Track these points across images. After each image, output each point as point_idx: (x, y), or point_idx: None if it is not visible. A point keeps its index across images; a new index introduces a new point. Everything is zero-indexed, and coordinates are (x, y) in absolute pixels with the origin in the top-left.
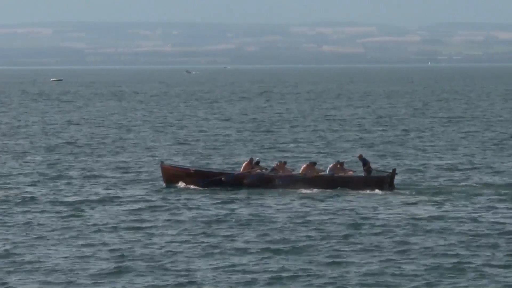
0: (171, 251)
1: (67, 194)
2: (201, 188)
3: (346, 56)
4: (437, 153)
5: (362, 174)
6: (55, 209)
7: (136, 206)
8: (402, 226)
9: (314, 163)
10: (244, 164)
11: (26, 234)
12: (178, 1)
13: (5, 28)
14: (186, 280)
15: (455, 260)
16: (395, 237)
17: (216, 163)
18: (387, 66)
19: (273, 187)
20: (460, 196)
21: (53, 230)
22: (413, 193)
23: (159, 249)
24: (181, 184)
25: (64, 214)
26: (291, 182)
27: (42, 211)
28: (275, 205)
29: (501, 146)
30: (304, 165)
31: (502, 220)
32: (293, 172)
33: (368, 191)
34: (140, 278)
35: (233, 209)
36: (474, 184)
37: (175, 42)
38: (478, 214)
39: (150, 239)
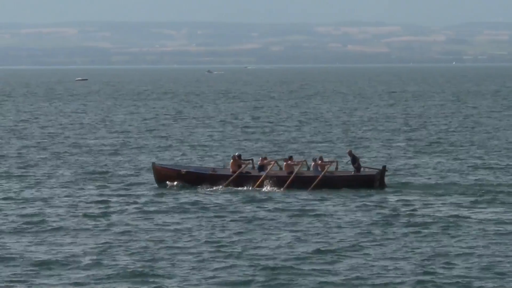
0: (161, 252)
1: (59, 194)
2: (193, 188)
3: (371, 56)
4: (431, 152)
5: (352, 172)
6: (45, 211)
7: (128, 206)
8: (391, 224)
9: (290, 157)
10: (230, 164)
11: (20, 236)
12: (203, 0)
13: (31, 28)
14: (178, 281)
15: (446, 258)
16: (385, 235)
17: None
18: (412, 66)
19: (263, 187)
20: (451, 194)
21: (44, 231)
22: (404, 190)
23: (150, 250)
24: (173, 185)
25: (56, 214)
26: (280, 181)
27: (32, 212)
28: (264, 204)
29: (498, 145)
30: (284, 162)
31: (495, 219)
32: (276, 164)
33: (358, 189)
34: (130, 280)
35: (226, 209)
36: (467, 183)
37: (199, 42)
38: (469, 212)
39: (142, 239)
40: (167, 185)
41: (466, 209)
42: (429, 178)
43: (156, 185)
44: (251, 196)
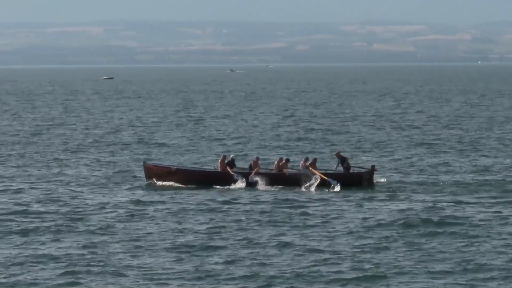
0: (154, 250)
1: (52, 194)
2: (183, 187)
3: (396, 55)
4: (423, 151)
5: (341, 172)
6: (39, 209)
7: (119, 204)
8: (380, 223)
9: (287, 160)
10: (218, 162)
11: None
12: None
13: (56, 27)
14: (168, 278)
15: (437, 256)
16: (375, 234)
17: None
18: (439, 65)
19: (254, 186)
20: (441, 192)
21: (35, 230)
22: (392, 189)
23: (142, 248)
24: (163, 183)
25: (51, 213)
26: (268, 180)
27: (26, 211)
28: (253, 203)
29: (490, 144)
30: (276, 162)
31: (488, 216)
32: (266, 169)
33: (347, 188)
34: (124, 278)
35: (215, 206)
36: (456, 181)
37: (225, 41)
38: (456, 209)
39: (134, 238)
40: (157, 182)
41: (457, 206)
42: (419, 177)
43: (145, 183)
44: (240, 194)
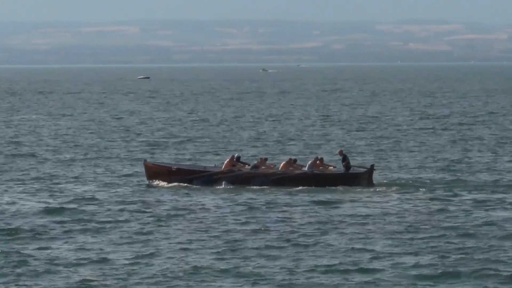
0: (150, 248)
1: (53, 193)
2: (183, 186)
3: (432, 54)
4: (421, 151)
5: (342, 170)
6: (38, 209)
7: (119, 203)
8: (379, 222)
9: (294, 160)
10: (226, 162)
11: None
12: None
13: (93, 27)
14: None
15: (433, 254)
16: (372, 233)
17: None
18: (475, 64)
19: (251, 185)
20: (440, 191)
21: (35, 230)
22: (391, 189)
23: (139, 246)
24: (164, 182)
25: (49, 213)
26: (269, 180)
27: (25, 211)
28: (253, 203)
29: (488, 145)
30: (284, 162)
31: (482, 215)
32: (274, 168)
33: (346, 187)
34: (124, 279)
35: (216, 206)
36: (453, 180)
37: (261, 40)
38: (456, 208)
39: (133, 238)
40: (158, 181)
41: (453, 203)
42: (418, 176)
43: (146, 182)
44: (240, 192)
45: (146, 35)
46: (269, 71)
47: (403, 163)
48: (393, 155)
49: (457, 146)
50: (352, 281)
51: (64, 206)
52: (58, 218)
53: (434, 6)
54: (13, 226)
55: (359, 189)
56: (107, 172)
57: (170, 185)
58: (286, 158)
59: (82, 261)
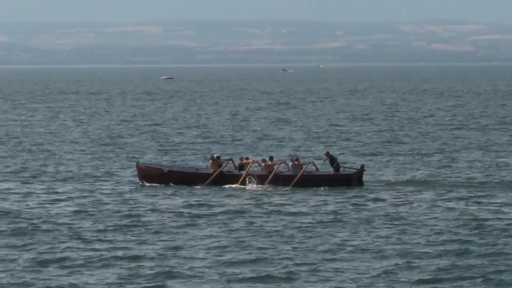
0: (144, 250)
1: (51, 193)
2: (176, 188)
3: (456, 54)
4: (418, 150)
5: (331, 172)
6: (40, 211)
7: (113, 205)
8: (370, 223)
9: (270, 158)
10: (210, 164)
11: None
12: None
13: (116, 27)
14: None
15: (427, 255)
16: (367, 234)
17: None
18: (498, 65)
19: (242, 186)
20: (430, 191)
21: (34, 230)
22: (382, 189)
23: (133, 248)
24: (156, 184)
25: (53, 213)
26: (261, 179)
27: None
28: (246, 201)
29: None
30: (263, 164)
31: (477, 214)
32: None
33: (337, 188)
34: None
35: (208, 207)
36: (446, 178)
37: (284, 41)
38: (448, 207)
39: (128, 239)
40: (150, 183)
41: (444, 203)
42: (411, 176)
43: (139, 183)
44: (232, 194)
45: (169, 35)
46: (289, 71)
47: (394, 163)
48: (385, 156)
49: (447, 147)
50: (344, 281)
51: (56, 204)
52: (56, 219)
53: (457, 6)
54: (8, 227)
55: (349, 190)
56: (99, 172)
57: (161, 186)
58: (259, 158)
59: (78, 261)
